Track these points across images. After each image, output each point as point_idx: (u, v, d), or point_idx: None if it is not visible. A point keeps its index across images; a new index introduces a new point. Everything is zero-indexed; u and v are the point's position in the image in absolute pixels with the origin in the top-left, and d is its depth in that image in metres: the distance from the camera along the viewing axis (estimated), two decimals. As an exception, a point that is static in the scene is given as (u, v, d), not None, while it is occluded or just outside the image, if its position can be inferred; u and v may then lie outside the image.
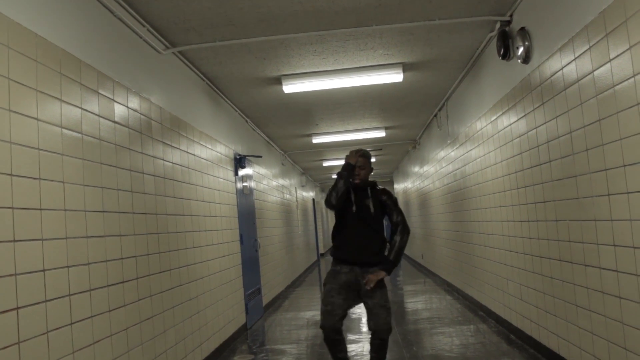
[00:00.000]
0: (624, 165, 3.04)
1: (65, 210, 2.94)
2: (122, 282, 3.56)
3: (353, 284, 3.95)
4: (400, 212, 4.07)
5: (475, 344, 5.30)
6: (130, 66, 4.05)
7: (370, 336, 4.00)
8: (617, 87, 3.06)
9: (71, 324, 2.91)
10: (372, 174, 16.68)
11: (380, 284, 3.96)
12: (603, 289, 3.44)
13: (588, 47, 3.36)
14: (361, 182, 4.05)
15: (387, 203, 4.06)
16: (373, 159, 14.47)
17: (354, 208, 3.99)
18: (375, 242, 4.02)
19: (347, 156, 4.04)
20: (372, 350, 3.98)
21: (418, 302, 8.26)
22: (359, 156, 4.01)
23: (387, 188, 4.26)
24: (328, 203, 3.94)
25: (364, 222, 3.99)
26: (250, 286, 7.37)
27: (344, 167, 3.97)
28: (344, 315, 3.93)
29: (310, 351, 5.53)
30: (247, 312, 7.02)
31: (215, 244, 5.80)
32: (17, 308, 2.48)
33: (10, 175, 2.52)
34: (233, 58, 5.39)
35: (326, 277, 4.04)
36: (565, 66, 3.74)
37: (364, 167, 4.04)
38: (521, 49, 4.46)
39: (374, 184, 4.14)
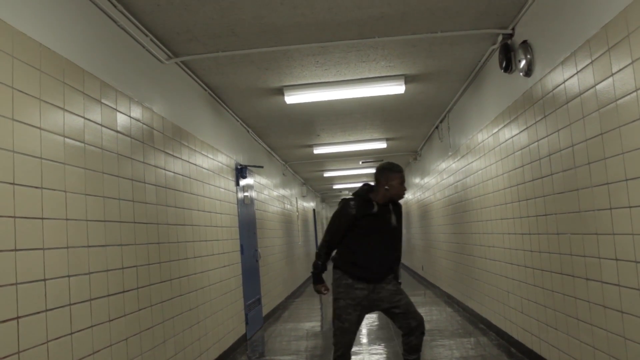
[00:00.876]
0: (626, 179, 3.04)
1: (66, 219, 2.94)
2: (123, 291, 3.55)
3: (367, 298, 3.75)
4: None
5: (476, 357, 5.28)
6: (133, 76, 4.07)
7: (406, 337, 3.76)
8: (619, 102, 3.06)
9: (71, 333, 2.90)
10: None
11: (399, 286, 3.83)
12: (605, 302, 3.43)
13: (590, 61, 3.37)
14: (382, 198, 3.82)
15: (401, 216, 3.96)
16: (374, 170, 14.46)
17: (386, 223, 3.80)
18: (393, 257, 3.86)
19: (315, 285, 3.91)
20: (415, 350, 3.77)
21: (418, 314, 8.22)
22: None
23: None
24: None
25: (386, 239, 3.80)
26: (250, 296, 7.34)
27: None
28: (357, 333, 3.77)
29: (310, 363, 5.51)
30: (247, 323, 7.00)
31: (216, 254, 5.79)
32: (18, 317, 2.47)
33: (13, 184, 2.52)
34: (235, 68, 5.41)
35: (338, 292, 3.76)
36: (567, 80, 3.74)
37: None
38: (523, 62, 4.47)
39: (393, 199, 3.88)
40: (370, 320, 7.65)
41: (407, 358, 3.82)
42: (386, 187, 3.78)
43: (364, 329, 6.97)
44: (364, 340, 6.46)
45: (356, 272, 3.74)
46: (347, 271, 3.77)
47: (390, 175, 3.80)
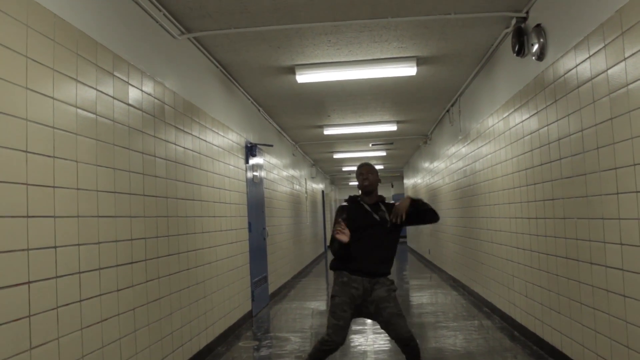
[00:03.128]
0: (634, 165, 3.04)
1: (77, 189, 2.99)
2: (131, 262, 3.61)
3: (361, 298, 3.84)
4: (423, 203, 3.97)
5: (479, 339, 5.33)
6: (146, 50, 4.09)
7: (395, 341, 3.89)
8: (630, 86, 3.05)
9: (80, 301, 2.96)
10: (385, 164, 16.57)
11: (392, 293, 3.90)
12: (608, 287, 3.45)
13: (603, 45, 3.36)
14: (372, 194, 3.98)
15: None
16: (384, 153, 14.47)
17: (375, 218, 3.90)
18: (390, 254, 3.95)
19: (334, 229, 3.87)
20: (405, 353, 3.89)
21: (423, 296, 8.29)
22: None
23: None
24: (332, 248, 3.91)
25: (378, 234, 3.89)
26: (257, 274, 7.42)
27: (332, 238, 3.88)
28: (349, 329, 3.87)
29: (314, 340, 5.57)
30: (253, 300, 7.08)
31: (224, 230, 5.85)
32: (29, 282, 2.53)
33: (26, 152, 2.56)
34: (247, 46, 5.42)
35: (334, 290, 3.90)
36: (579, 64, 3.73)
37: (371, 174, 4.00)
38: (536, 46, 4.45)
39: (382, 199, 4.06)
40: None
41: None
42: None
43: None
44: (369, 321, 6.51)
45: (351, 266, 3.86)
46: (343, 267, 3.89)
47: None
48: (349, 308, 3.83)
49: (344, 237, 3.69)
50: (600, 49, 3.39)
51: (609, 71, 3.29)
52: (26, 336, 2.50)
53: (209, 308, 5.20)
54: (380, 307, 3.83)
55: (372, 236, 3.87)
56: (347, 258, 3.86)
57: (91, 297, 3.08)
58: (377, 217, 3.89)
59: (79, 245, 2.97)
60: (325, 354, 3.90)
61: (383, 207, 3.97)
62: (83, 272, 3.01)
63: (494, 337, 5.40)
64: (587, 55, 3.59)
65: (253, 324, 6.59)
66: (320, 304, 7.86)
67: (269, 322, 6.71)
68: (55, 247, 2.75)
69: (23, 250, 2.51)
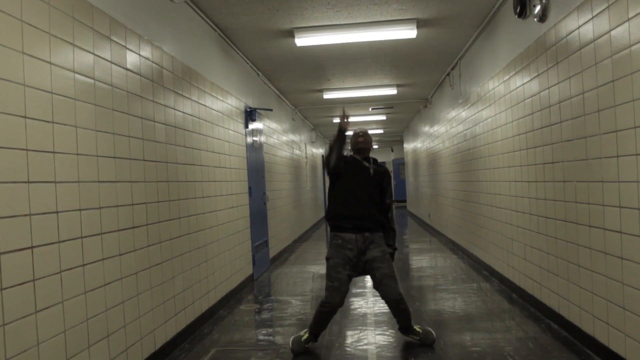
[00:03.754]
0: (635, 127, 3.03)
1: (77, 154, 2.99)
2: (133, 227, 3.63)
3: (356, 258, 3.99)
4: (391, 196, 4.25)
5: (477, 302, 5.40)
6: (143, 14, 4.03)
7: (385, 302, 4.08)
8: (633, 48, 3.02)
9: (83, 265, 2.99)
10: (384, 128, 16.45)
11: (387, 254, 4.03)
12: (606, 249, 3.48)
13: (607, 5, 3.31)
14: (367, 155, 4.25)
15: (386, 181, 4.22)
16: (383, 117, 14.40)
17: (368, 170, 4.14)
18: (375, 207, 4.10)
19: (340, 123, 4.17)
20: (395, 315, 4.12)
21: (423, 260, 8.36)
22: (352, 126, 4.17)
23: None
24: (327, 166, 4.09)
25: (365, 186, 4.10)
26: (257, 238, 7.47)
27: (338, 131, 4.10)
28: (347, 290, 4.00)
29: (314, 303, 5.65)
30: (254, 264, 7.15)
31: (224, 195, 5.87)
32: (32, 247, 2.55)
33: (25, 117, 2.55)
34: (245, 9, 5.34)
35: (329, 252, 4.05)
36: (581, 25, 3.68)
37: (367, 137, 4.31)
38: (538, 7, 4.39)
39: (375, 160, 4.28)
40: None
41: (396, 319, 4.17)
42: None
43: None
44: (369, 283, 6.59)
45: (343, 224, 4.03)
46: (336, 226, 4.07)
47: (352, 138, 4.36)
48: (344, 269, 3.97)
49: (346, 124, 4.08)
50: (604, 10, 3.35)
51: (612, 32, 3.25)
52: (31, 299, 2.53)
53: (210, 272, 5.26)
54: (373, 266, 3.98)
55: (359, 188, 4.08)
56: (338, 214, 4.06)
57: (94, 262, 3.11)
58: (371, 171, 4.13)
59: (80, 210, 2.99)
60: (326, 316, 4.01)
61: (371, 163, 4.22)
62: (85, 236, 3.03)
63: (493, 300, 5.48)
64: (590, 17, 3.54)
65: (254, 288, 6.66)
66: (320, 268, 7.94)
67: (270, 286, 6.79)
68: (57, 212, 2.77)
69: (25, 215, 2.52)
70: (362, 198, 4.05)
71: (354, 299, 5.69)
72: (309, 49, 6.91)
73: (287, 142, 11.01)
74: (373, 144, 4.37)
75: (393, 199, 4.36)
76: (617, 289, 3.35)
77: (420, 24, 6.02)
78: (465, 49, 7.22)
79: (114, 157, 3.41)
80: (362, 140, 4.22)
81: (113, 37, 3.49)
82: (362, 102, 11.69)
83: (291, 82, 9.15)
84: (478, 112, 6.88)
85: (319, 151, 18.43)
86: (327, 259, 4.04)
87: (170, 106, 4.41)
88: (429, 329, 4.20)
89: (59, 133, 2.82)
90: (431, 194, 12.55)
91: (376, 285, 4.01)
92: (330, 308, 3.97)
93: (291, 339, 4.12)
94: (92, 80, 3.19)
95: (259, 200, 7.71)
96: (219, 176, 5.71)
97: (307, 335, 4.09)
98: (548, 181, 4.44)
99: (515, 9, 4.81)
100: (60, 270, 2.77)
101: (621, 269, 3.28)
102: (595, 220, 3.61)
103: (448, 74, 8.80)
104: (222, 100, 6.02)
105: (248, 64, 7.44)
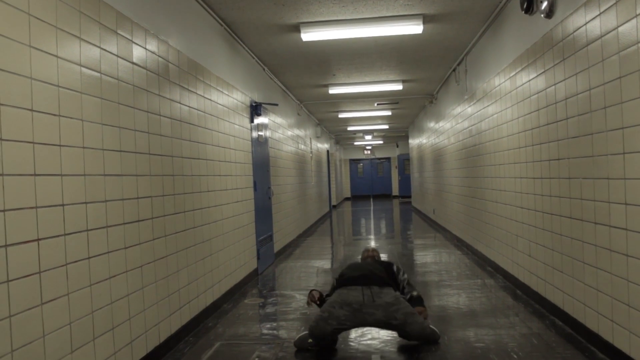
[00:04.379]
0: (641, 124, 3.02)
1: (83, 147, 3.00)
2: (138, 221, 3.64)
3: (358, 304, 3.84)
4: (404, 273, 4.45)
5: (482, 298, 5.40)
6: (149, 8, 4.04)
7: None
8: (640, 44, 3.01)
9: (88, 258, 3.01)
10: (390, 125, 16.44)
11: (400, 299, 3.94)
12: (611, 246, 3.47)
13: (614, 1, 3.29)
14: None
15: (395, 267, 4.42)
16: (389, 112, 14.37)
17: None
18: (382, 271, 4.20)
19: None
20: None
21: (427, 255, 8.37)
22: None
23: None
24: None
25: (369, 265, 4.31)
26: (262, 233, 7.49)
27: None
28: (338, 331, 3.89)
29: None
30: (258, 258, 7.16)
31: (229, 189, 5.88)
32: (38, 239, 2.57)
33: (31, 110, 2.56)
34: (251, 3, 5.34)
35: (330, 294, 4.17)
36: (589, 22, 3.67)
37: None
38: (545, 3, 4.37)
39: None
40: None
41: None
42: None
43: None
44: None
45: (346, 279, 4.07)
46: (338, 284, 4.12)
47: None
48: (340, 308, 3.85)
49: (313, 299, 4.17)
50: (612, 6, 3.33)
51: (620, 28, 3.24)
52: (37, 291, 2.55)
53: (215, 266, 5.27)
54: (390, 310, 3.83)
55: (364, 265, 4.30)
56: (340, 280, 4.13)
57: (99, 255, 3.13)
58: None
59: (86, 203, 3.00)
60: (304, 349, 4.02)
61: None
62: (91, 229, 3.04)
63: (497, 296, 5.48)
64: (598, 13, 3.53)
65: (258, 282, 6.68)
66: (324, 263, 7.96)
67: (274, 280, 6.81)
68: (63, 205, 2.78)
69: (32, 208, 2.53)
70: (366, 268, 4.19)
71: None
72: (314, 44, 6.90)
73: (292, 137, 11.02)
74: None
75: (406, 276, 4.47)
76: (622, 286, 3.35)
77: (426, 19, 6.01)
78: (471, 45, 7.20)
79: (120, 151, 3.42)
80: (367, 256, 4.80)
81: (119, 31, 3.49)
82: (368, 98, 11.68)
83: (297, 77, 9.15)
84: (484, 108, 6.86)
85: (324, 146, 18.43)
86: (327, 295, 4.15)
87: (176, 100, 4.42)
88: (433, 328, 4.19)
89: (65, 126, 2.83)
90: (436, 189, 12.54)
91: (402, 326, 3.86)
92: (315, 341, 3.91)
93: (296, 337, 4.11)
94: (98, 74, 3.20)
95: (263, 194, 7.72)
96: (224, 170, 5.72)
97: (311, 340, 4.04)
98: (553, 178, 4.43)
99: (522, 5, 4.79)
100: (66, 263, 2.79)
101: (626, 266, 3.28)
102: (601, 217, 3.60)
103: (454, 70, 8.78)
104: (228, 95, 6.03)
105: (254, 58, 7.44)
